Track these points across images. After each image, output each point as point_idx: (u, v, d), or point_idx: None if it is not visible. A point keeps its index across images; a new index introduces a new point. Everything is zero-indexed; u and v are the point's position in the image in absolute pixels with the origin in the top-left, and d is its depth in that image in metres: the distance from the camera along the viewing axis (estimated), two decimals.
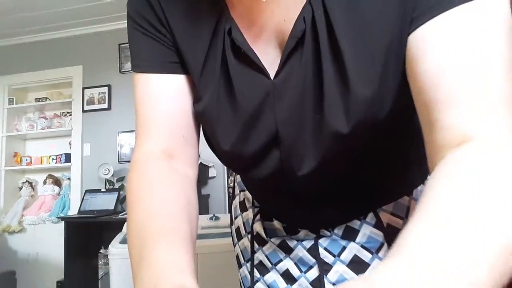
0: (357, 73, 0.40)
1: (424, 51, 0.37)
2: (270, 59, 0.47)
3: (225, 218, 2.04)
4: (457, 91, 0.35)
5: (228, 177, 3.21)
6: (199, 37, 0.49)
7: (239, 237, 0.74)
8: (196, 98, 0.52)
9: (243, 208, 0.75)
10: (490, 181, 0.30)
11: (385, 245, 0.57)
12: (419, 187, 0.59)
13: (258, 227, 0.69)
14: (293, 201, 0.58)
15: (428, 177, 0.45)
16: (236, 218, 0.77)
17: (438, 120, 0.36)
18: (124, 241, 1.68)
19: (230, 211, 0.80)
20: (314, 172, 0.48)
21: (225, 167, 3.18)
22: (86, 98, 3.51)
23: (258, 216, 0.69)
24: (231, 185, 3.19)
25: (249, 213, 0.72)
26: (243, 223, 0.73)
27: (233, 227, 0.77)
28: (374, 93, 0.41)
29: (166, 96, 0.51)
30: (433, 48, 0.37)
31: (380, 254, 0.57)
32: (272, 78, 0.46)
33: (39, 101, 3.66)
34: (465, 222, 0.27)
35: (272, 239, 0.65)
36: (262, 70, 0.46)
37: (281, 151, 0.50)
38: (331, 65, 0.42)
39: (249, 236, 0.71)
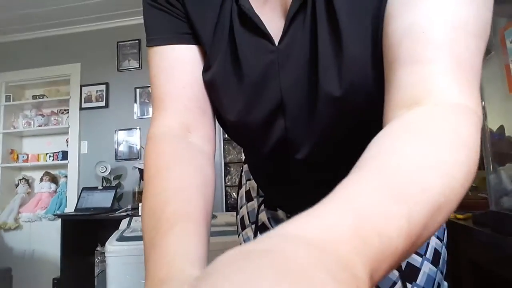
0: (351, 34, 0.42)
1: (398, 11, 0.38)
2: (275, 27, 0.47)
3: (222, 217, 2.05)
4: (416, 52, 0.35)
5: (226, 176, 3.21)
6: (209, 6, 0.50)
7: (243, 226, 0.75)
8: (205, 67, 0.52)
9: (248, 197, 0.75)
10: (430, 142, 0.29)
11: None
12: None
13: (263, 217, 0.69)
14: (296, 185, 0.58)
15: None
16: (241, 207, 0.77)
17: (395, 80, 0.36)
18: (120, 239, 1.69)
19: (237, 200, 0.81)
20: (317, 144, 0.49)
21: (223, 166, 3.18)
22: (83, 95, 3.50)
23: (263, 206, 0.70)
24: (228, 183, 3.20)
25: (254, 203, 0.73)
26: (248, 212, 0.74)
27: (238, 217, 0.78)
28: (365, 53, 0.42)
29: (181, 67, 0.51)
30: (404, 8, 0.37)
31: None
32: (276, 44, 0.47)
33: (36, 99, 3.65)
34: (395, 175, 0.26)
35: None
36: (267, 36, 0.47)
37: (286, 119, 0.50)
38: (326, 26, 0.43)
39: (253, 226, 0.71)
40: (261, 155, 0.59)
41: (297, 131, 0.50)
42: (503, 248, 0.90)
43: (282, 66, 0.47)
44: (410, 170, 0.26)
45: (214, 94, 0.52)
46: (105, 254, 1.62)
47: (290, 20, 0.45)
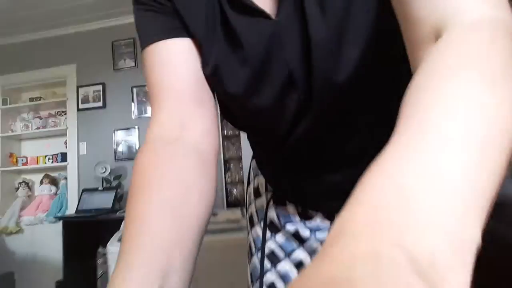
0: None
1: None
2: (267, 2, 0.47)
3: (222, 214, 2.03)
4: None
5: (225, 172, 3.20)
6: None
7: (252, 224, 0.74)
8: (203, 62, 0.51)
9: (257, 194, 0.75)
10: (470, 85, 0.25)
11: None
12: None
13: (272, 214, 0.68)
14: (306, 175, 0.58)
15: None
16: (249, 205, 0.77)
17: (411, 13, 0.33)
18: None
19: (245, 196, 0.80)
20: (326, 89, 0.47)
21: (222, 163, 3.17)
22: (80, 96, 3.49)
23: (271, 202, 0.69)
24: (229, 180, 3.18)
25: (263, 199, 0.72)
26: (256, 210, 0.73)
27: (247, 215, 0.77)
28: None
29: (173, 60, 0.51)
30: None
31: None
32: (273, 17, 0.46)
33: (33, 101, 3.63)
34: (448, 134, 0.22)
35: (287, 226, 0.65)
36: (262, 13, 0.46)
37: (299, 93, 0.49)
38: None
39: (262, 223, 0.71)
40: (276, 138, 0.57)
41: (313, 102, 0.49)
42: None
43: (285, 38, 0.46)
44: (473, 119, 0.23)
45: (219, 84, 0.51)
46: (107, 255, 1.61)
47: None
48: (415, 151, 0.22)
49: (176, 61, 0.51)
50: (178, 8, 0.51)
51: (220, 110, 0.57)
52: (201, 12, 0.50)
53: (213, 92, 0.54)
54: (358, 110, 0.51)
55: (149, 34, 0.52)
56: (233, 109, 0.55)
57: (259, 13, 0.47)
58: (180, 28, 0.51)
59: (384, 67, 0.45)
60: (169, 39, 0.51)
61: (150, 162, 0.45)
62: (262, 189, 0.74)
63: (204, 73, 0.51)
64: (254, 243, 0.72)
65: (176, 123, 0.48)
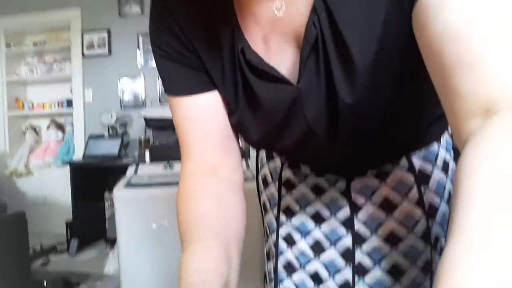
0: (362, 60, 0.42)
1: (427, 19, 0.35)
2: (287, 65, 0.48)
3: (179, 166, 2.06)
4: (461, 55, 0.31)
5: None
6: (220, 57, 0.51)
7: (266, 185, 0.76)
8: (230, 112, 0.55)
9: (269, 157, 0.76)
10: None
11: (415, 188, 0.61)
12: (446, 134, 0.64)
13: (287, 173, 0.70)
14: (325, 155, 0.60)
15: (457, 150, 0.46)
16: (262, 168, 0.78)
17: (452, 89, 0.32)
18: (128, 185, 1.73)
19: (256, 163, 0.82)
20: (352, 135, 0.51)
21: None
22: (85, 42, 3.42)
23: (286, 164, 0.71)
24: None
25: (277, 161, 0.74)
26: (270, 172, 0.75)
27: (259, 178, 0.79)
28: (380, 75, 0.43)
29: (203, 115, 0.54)
30: (432, 13, 0.34)
31: (410, 196, 0.61)
32: (294, 83, 0.48)
33: (37, 45, 3.57)
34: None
35: (306, 181, 0.68)
36: (284, 81, 0.48)
37: (317, 141, 0.53)
38: (336, 57, 0.43)
39: (277, 183, 0.72)
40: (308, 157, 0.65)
41: (331, 141, 0.52)
42: None
43: (305, 101, 0.48)
44: None
45: (244, 134, 0.57)
46: (114, 200, 1.67)
47: (304, 62, 0.46)
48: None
49: (204, 116, 0.54)
50: (206, 65, 0.52)
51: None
52: (225, 69, 0.51)
53: (236, 132, 0.59)
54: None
55: (176, 86, 0.54)
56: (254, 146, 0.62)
57: (280, 80, 0.48)
58: (207, 82, 0.53)
59: (409, 96, 0.48)
60: (198, 95, 0.54)
61: (189, 188, 0.54)
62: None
63: (230, 122, 0.56)
64: (269, 201, 0.74)
65: (208, 166, 0.55)
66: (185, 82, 0.53)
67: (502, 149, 0.26)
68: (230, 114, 0.55)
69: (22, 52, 3.65)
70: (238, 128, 0.57)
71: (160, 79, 0.57)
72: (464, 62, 0.31)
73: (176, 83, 0.54)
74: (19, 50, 3.61)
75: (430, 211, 0.62)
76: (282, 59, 0.48)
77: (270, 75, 0.48)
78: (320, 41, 0.43)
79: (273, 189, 0.73)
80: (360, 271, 0.63)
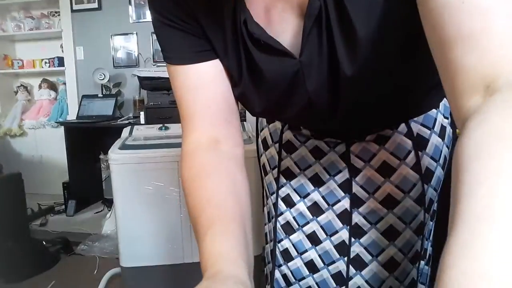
0: (365, 35, 0.41)
1: None
2: (289, 36, 0.47)
3: (174, 128, 2.02)
4: (463, 25, 0.30)
5: None
6: (223, 27, 0.50)
7: (266, 147, 0.77)
8: (233, 84, 0.54)
9: (270, 120, 0.77)
10: None
11: (412, 153, 0.63)
12: (444, 99, 0.64)
13: (288, 135, 0.72)
14: (326, 123, 0.60)
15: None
16: (262, 130, 0.79)
17: (452, 62, 0.31)
18: (123, 147, 1.70)
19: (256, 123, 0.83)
20: (352, 105, 0.51)
21: None
22: None
23: (286, 126, 0.72)
24: None
25: (277, 124, 0.74)
26: (270, 133, 0.76)
27: (259, 139, 0.80)
28: (384, 48, 0.42)
29: (204, 85, 0.53)
30: None
31: (407, 160, 0.63)
32: (296, 56, 0.47)
33: None
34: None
35: (306, 143, 0.69)
36: (286, 54, 0.47)
37: (318, 111, 0.53)
38: (339, 32, 0.43)
39: (277, 145, 0.74)
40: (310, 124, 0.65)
41: (327, 108, 0.53)
42: None
43: (308, 75, 0.48)
44: None
45: (247, 105, 0.57)
46: (109, 162, 1.65)
47: (307, 35, 0.45)
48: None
49: (207, 87, 0.53)
50: (208, 34, 0.51)
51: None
52: (228, 41, 0.50)
53: (238, 104, 0.58)
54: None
55: (177, 53, 0.52)
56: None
57: (282, 53, 0.47)
58: (209, 50, 0.52)
59: (410, 66, 0.47)
60: (200, 63, 0.52)
61: (198, 164, 0.51)
62: None
63: (234, 93, 0.55)
64: (269, 162, 0.76)
65: (210, 139, 0.53)
66: (186, 49, 0.52)
67: (510, 126, 0.24)
68: (233, 86, 0.54)
69: (7, 6, 3.47)
70: (240, 100, 0.56)
71: (154, 35, 0.56)
72: (465, 34, 0.29)
73: (178, 50, 0.53)
74: (3, 3, 3.42)
75: (426, 175, 0.64)
76: (284, 30, 0.47)
77: (272, 48, 0.47)
78: (324, 13, 0.42)
79: (273, 151, 0.75)
80: (356, 232, 0.66)
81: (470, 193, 0.22)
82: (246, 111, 1.95)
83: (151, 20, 0.54)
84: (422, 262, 0.68)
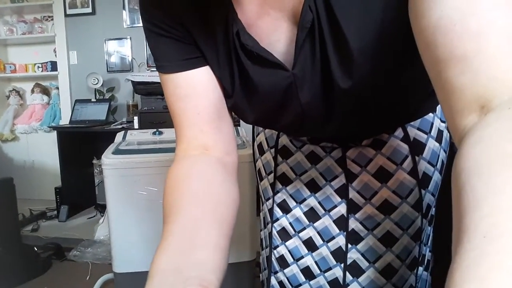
0: (359, 47, 0.41)
1: (423, 9, 0.33)
2: (282, 45, 0.47)
3: (168, 133, 2.02)
4: (455, 47, 0.30)
5: None
6: (214, 38, 0.49)
7: (261, 152, 0.77)
8: (225, 94, 0.54)
9: None
10: None
11: (409, 158, 0.62)
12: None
13: (284, 140, 0.71)
14: (320, 132, 0.60)
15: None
16: (258, 135, 0.78)
17: (446, 82, 0.31)
18: (116, 152, 1.68)
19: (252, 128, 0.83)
20: (346, 116, 0.51)
21: None
22: (67, 1, 3.24)
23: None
24: None
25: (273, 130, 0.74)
26: (266, 138, 0.75)
27: (255, 144, 0.79)
28: (376, 62, 0.42)
29: (195, 92, 0.52)
30: (428, 4, 0.32)
31: (404, 165, 0.63)
32: (289, 67, 0.47)
33: (15, 2, 3.37)
34: None
35: (302, 149, 0.69)
36: (279, 66, 0.47)
37: (305, 121, 0.53)
38: (332, 44, 0.42)
39: (273, 150, 0.73)
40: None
41: (321, 120, 0.53)
42: None
43: (300, 87, 0.48)
44: None
45: (240, 115, 0.56)
46: (102, 167, 1.63)
47: (300, 47, 0.44)
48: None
49: (196, 92, 0.52)
50: (198, 43, 0.51)
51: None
52: (219, 51, 0.50)
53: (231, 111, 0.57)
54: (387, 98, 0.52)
55: (168, 62, 0.52)
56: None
57: (275, 65, 0.47)
58: (200, 57, 0.52)
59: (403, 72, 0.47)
60: (190, 71, 0.51)
61: (182, 173, 0.50)
62: None
63: (227, 104, 0.55)
64: (264, 168, 0.75)
65: (200, 146, 0.53)
66: (176, 57, 0.52)
67: (508, 143, 0.23)
68: (226, 97, 0.54)
69: (0, 10, 3.44)
70: (233, 110, 0.56)
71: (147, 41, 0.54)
72: (459, 55, 0.29)
73: (167, 59, 0.52)
74: None
75: (423, 180, 0.63)
76: (277, 39, 0.47)
77: (265, 60, 0.47)
78: (316, 26, 0.42)
79: (269, 156, 0.74)
80: (353, 238, 0.65)
81: (474, 210, 0.21)
82: None
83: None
84: (420, 268, 0.68)
